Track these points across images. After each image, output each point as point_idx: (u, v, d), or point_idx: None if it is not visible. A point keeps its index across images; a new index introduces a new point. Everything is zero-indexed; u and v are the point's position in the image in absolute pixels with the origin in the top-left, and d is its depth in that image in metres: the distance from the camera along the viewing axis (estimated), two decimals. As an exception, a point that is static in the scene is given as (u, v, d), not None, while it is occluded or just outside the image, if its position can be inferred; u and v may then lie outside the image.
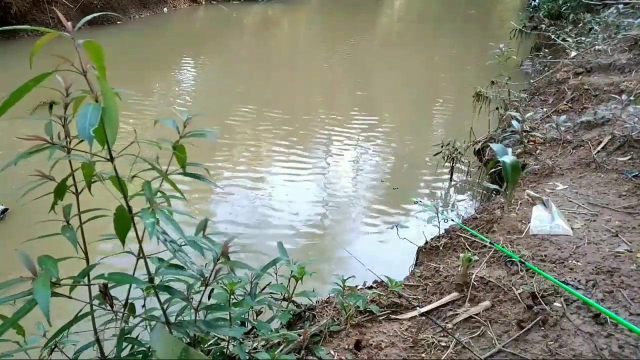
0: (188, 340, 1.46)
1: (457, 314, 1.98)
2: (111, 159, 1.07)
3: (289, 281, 1.97)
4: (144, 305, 1.47)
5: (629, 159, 3.15)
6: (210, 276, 1.31)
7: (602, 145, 3.42)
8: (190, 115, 1.29)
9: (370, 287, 2.32)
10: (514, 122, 3.70)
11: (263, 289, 1.93)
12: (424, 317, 2.00)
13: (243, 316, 1.74)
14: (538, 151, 3.69)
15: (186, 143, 1.26)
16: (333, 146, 5.43)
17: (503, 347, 1.74)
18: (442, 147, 4.40)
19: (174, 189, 1.24)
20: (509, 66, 4.88)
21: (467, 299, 2.05)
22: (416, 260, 2.81)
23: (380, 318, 2.03)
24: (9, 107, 0.89)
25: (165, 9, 12.19)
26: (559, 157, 3.49)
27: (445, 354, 1.76)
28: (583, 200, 2.72)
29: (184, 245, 1.21)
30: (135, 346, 1.37)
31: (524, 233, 2.45)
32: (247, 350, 1.67)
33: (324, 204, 4.17)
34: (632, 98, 3.81)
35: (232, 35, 11.19)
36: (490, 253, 2.33)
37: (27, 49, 7.40)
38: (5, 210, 3.63)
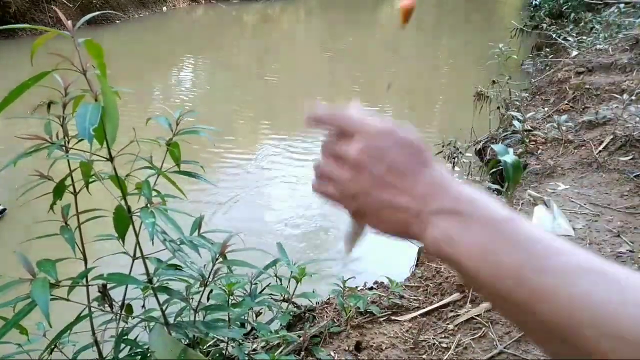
0: (187, 341, 1.45)
1: (459, 315, 1.97)
2: (111, 159, 1.06)
3: (289, 282, 1.96)
4: (143, 306, 1.46)
5: (631, 159, 3.14)
6: (209, 276, 1.30)
7: (603, 145, 3.41)
8: (184, 111, 1.28)
9: (371, 288, 2.31)
10: (515, 122, 3.69)
11: (262, 289, 1.92)
12: (424, 318, 2.00)
13: (242, 317, 1.73)
14: (539, 151, 3.68)
15: (181, 141, 1.24)
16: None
17: (504, 348, 1.73)
18: (442, 146, 4.38)
19: (173, 186, 1.23)
20: (509, 65, 4.88)
21: (469, 299, 2.04)
22: (417, 260, 2.80)
23: (381, 319, 2.02)
24: (7, 105, 0.88)
25: (164, 8, 12.17)
26: (561, 157, 3.48)
27: (447, 355, 1.75)
28: (585, 200, 2.71)
29: (182, 244, 1.20)
30: (134, 347, 1.36)
31: (525, 233, 2.44)
32: (246, 352, 1.66)
33: (323, 204, 4.15)
34: (633, 97, 3.80)
35: (231, 34, 11.18)
36: (491, 253, 2.31)
37: (26, 48, 7.37)
38: (4, 210, 3.62)
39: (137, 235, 1.17)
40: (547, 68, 6.23)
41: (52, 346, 1.31)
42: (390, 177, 0.42)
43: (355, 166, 0.44)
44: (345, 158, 0.46)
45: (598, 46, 5.65)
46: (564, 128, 3.71)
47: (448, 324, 1.94)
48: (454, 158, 4.38)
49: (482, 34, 10.97)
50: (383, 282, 2.33)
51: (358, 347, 1.84)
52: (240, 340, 1.71)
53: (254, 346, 1.81)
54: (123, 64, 7.72)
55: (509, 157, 2.48)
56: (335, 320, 1.99)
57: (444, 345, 1.81)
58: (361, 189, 0.44)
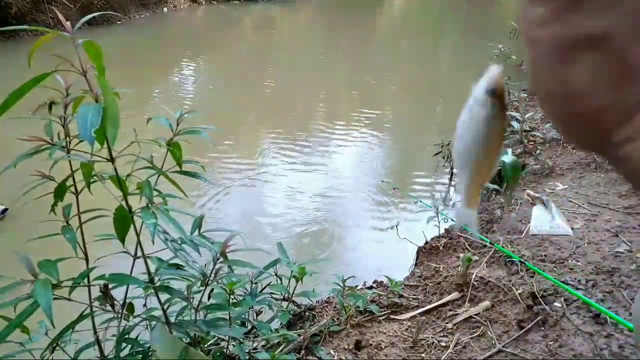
0: (188, 340, 1.46)
1: (457, 314, 1.98)
2: (112, 159, 1.07)
3: (289, 281, 1.97)
4: (145, 305, 1.47)
5: (629, 159, 3.15)
6: (210, 276, 1.31)
7: (602, 145, 3.41)
8: (183, 112, 1.29)
9: (371, 287, 2.32)
10: (514, 122, 3.70)
11: (263, 289, 1.93)
12: (424, 317, 2.00)
13: (243, 316, 1.74)
14: (538, 151, 3.69)
15: (182, 141, 1.25)
16: (333, 146, 5.43)
17: (503, 347, 1.74)
18: (442, 147, 4.39)
19: (174, 186, 1.24)
20: (509, 66, 4.88)
21: (467, 299, 2.05)
22: (416, 260, 2.81)
23: (380, 318, 2.03)
24: (9, 107, 0.89)
25: (165, 9, 12.18)
26: (559, 157, 3.50)
27: (445, 354, 1.76)
28: (583, 200, 2.72)
29: (183, 244, 1.21)
30: (135, 346, 1.37)
31: (524, 233, 2.45)
32: (247, 350, 1.67)
33: (323, 204, 4.17)
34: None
35: (232, 35, 11.19)
36: (490, 253, 2.33)
37: (27, 49, 7.33)
38: (5, 210, 3.63)
39: (138, 235, 1.18)
40: (547, 68, 6.23)
41: (54, 345, 1.32)
42: None
43: None
44: None
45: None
46: (563, 128, 3.71)
47: (447, 322, 1.95)
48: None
49: (482, 34, 10.98)
50: (382, 281, 2.34)
51: (358, 345, 1.85)
52: (241, 339, 1.72)
53: (255, 345, 1.82)
54: (123, 64, 7.72)
55: (508, 158, 2.49)
56: (335, 319, 2.00)
57: (443, 344, 1.82)
58: None
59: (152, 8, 11.81)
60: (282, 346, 1.79)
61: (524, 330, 1.79)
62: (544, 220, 2.48)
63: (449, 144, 4.35)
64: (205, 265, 1.34)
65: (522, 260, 2.13)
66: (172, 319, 1.31)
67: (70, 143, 1.14)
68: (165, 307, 1.29)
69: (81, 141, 1.11)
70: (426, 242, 2.81)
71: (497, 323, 1.88)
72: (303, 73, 8.47)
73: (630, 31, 0.22)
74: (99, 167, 1.13)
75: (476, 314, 1.94)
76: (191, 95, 7.03)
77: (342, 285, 2.02)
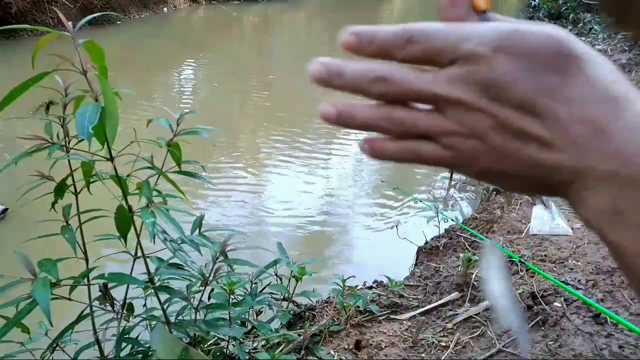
0: (188, 340, 1.46)
1: (457, 314, 1.98)
2: (111, 158, 1.07)
3: (289, 281, 1.97)
4: (144, 305, 1.47)
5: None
6: (209, 275, 1.31)
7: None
8: (184, 113, 1.29)
9: (370, 287, 2.32)
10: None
11: (263, 288, 1.93)
12: (424, 317, 2.00)
13: (243, 316, 1.74)
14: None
15: (182, 142, 1.25)
16: (333, 146, 5.43)
17: (503, 347, 1.74)
18: (442, 147, 4.39)
19: (174, 188, 1.24)
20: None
21: (467, 298, 2.05)
22: (416, 260, 2.81)
23: (381, 318, 2.03)
24: (6, 105, 0.89)
25: (165, 9, 12.18)
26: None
27: (445, 354, 1.76)
28: (583, 200, 2.72)
29: (182, 243, 1.21)
30: (135, 346, 1.37)
31: (524, 233, 2.45)
32: (247, 350, 1.67)
33: (323, 204, 4.17)
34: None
35: (232, 35, 11.19)
36: (490, 253, 2.32)
37: (27, 49, 7.38)
38: (6, 210, 3.63)
39: (138, 235, 1.18)
40: (547, 68, 6.23)
41: (54, 345, 1.32)
42: (524, 121, 0.28)
43: (462, 112, 0.29)
44: (443, 99, 0.30)
45: (597, 47, 5.67)
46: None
47: (447, 322, 1.95)
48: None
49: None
50: (382, 281, 2.34)
51: (358, 345, 1.85)
52: (241, 339, 1.72)
53: (255, 345, 1.82)
54: (123, 65, 7.73)
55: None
56: (335, 319, 2.00)
57: (443, 343, 1.82)
58: (478, 148, 0.29)
59: (152, 8, 11.80)
60: (282, 346, 1.79)
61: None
62: (544, 220, 2.48)
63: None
64: (206, 264, 1.34)
65: (522, 260, 2.13)
66: (172, 319, 1.31)
67: (69, 142, 1.14)
68: (165, 307, 1.28)
69: (80, 141, 1.12)
70: (426, 242, 2.81)
71: (497, 323, 1.88)
72: (303, 72, 8.46)
73: (486, 148, 0.30)
74: (98, 167, 1.13)
75: (476, 314, 1.94)
76: (192, 96, 7.03)
77: (342, 285, 2.02)
